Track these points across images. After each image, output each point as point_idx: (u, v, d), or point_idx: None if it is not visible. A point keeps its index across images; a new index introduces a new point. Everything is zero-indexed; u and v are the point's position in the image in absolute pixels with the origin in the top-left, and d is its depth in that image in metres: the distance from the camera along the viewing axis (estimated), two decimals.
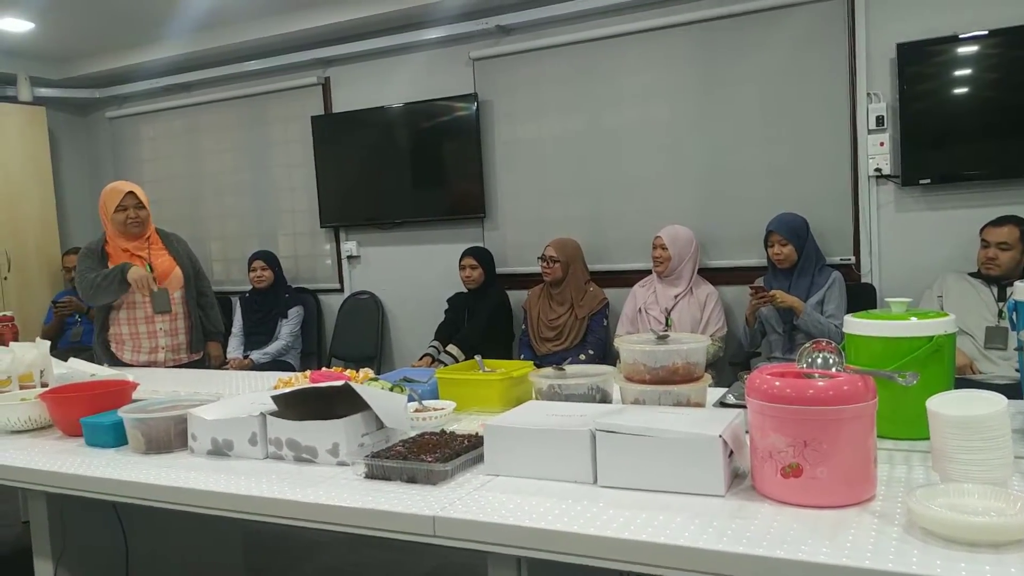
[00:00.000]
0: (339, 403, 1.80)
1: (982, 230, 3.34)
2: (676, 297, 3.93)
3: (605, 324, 4.15)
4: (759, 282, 3.71)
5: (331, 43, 5.01)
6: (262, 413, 1.81)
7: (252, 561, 2.98)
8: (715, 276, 4.04)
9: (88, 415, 2.04)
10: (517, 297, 4.54)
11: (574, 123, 4.44)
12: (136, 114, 5.97)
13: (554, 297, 4.24)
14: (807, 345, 1.45)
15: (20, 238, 5.54)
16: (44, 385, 2.46)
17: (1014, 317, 1.76)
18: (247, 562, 2.93)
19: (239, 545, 2.90)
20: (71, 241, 5.82)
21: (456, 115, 4.70)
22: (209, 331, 3.62)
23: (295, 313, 4.90)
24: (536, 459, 1.53)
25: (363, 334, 5.13)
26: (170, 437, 1.91)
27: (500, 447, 1.57)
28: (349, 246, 5.23)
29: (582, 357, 3.97)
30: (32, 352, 2.50)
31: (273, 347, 4.77)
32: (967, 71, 3.53)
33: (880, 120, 3.70)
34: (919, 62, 3.58)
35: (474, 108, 4.63)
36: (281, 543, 3.29)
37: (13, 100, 5.62)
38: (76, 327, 5.01)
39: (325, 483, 1.58)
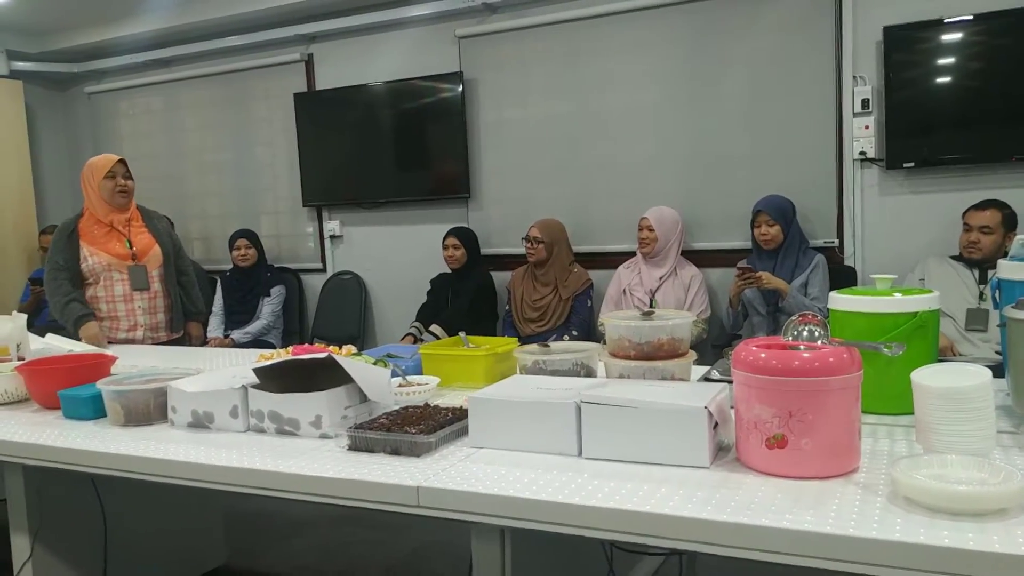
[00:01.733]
0: (322, 377, 1.78)
1: (964, 214, 3.36)
2: (660, 279, 3.94)
3: (589, 305, 4.15)
4: (744, 263, 3.71)
5: (315, 19, 4.94)
6: (243, 385, 1.79)
7: (234, 539, 2.97)
8: (699, 258, 4.04)
9: (66, 388, 2.01)
10: (501, 278, 4.53)
11: (560, 103, 4.41)
12: (115, 90, 5.87)
13: (538, 278, 4.23)
14: (793, 318, 1.45)
15: None
16: (20, 359, 2.42)
17: (997, 295, 1.77)
18: (229, 540, 2.92)
19: (220, 524, 2.89)
20: (49, 218, 5.73)
21: (441, 93, 4.66)
22: (189, 311, 3.58)
23: (277, 292, 4.86)
24: (521, 431, 1.52)
25: (346, 314, 5.10)
26: (149, 410, 1.88)
27: (485, 419, 1.56)
28: (332, 225, 5.19)
29: (566, 338, 3.97)
30: (8, 325, 2.46)
31: (254, 327, 4.74)
32: (952, 55, 3.53)
33: (865, 103, 3.70)
34: (905, 45, 3.59)
35: (459, 87, 4.59)
36: (263, 522, 3.28)
37: None
38: None
39: (308, 455, 1.57)
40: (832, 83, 3.78)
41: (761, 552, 1.12)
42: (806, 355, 1.31)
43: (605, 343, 1.87)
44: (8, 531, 2.17)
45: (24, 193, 5.64)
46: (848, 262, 3.80)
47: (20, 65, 5.67)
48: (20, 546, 2.16)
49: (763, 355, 1.33)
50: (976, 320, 3.22)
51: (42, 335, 2.78)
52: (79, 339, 3.14)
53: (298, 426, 1.72)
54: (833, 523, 1.10)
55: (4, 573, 2.26)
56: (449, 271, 4.51)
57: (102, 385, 1.93)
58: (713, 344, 3.89)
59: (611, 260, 4.23)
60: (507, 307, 4.38)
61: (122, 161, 3.34)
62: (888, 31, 3.60)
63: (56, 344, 2.70)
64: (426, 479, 1.39)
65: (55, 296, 3.26)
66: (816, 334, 1.41)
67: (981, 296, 3.25)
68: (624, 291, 4.03)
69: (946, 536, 1.04)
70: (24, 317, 2.55)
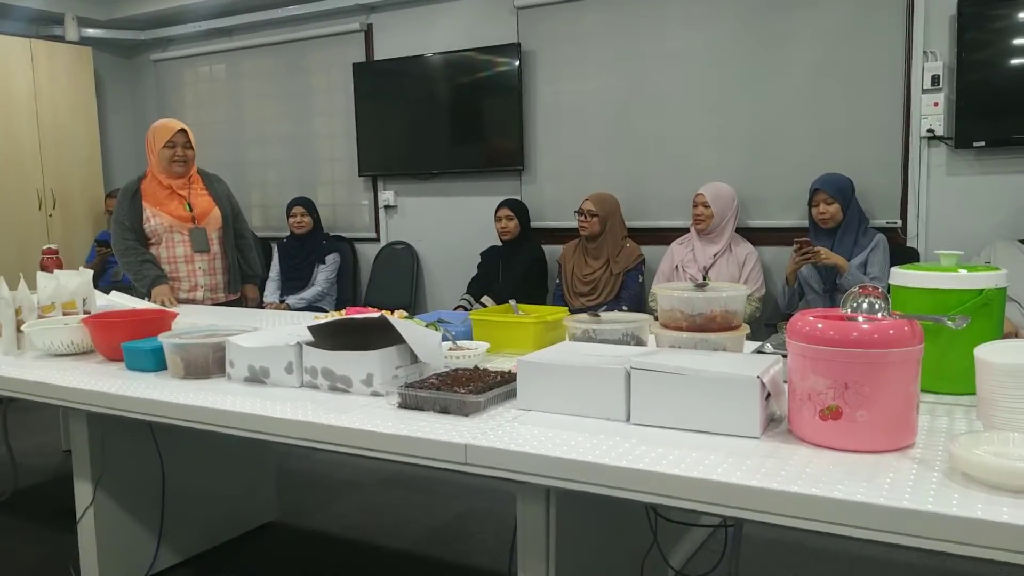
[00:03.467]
0: (374, 338, 1.81)
1: None
2: (715, 256, 3.88)
3: (640, 281, 4.12)
4: (803, 238, 3.64)
5: None
6: (299, 343, 1.83)
7: (285, 498, 3.05)
8: (754, 236, 3.97)
9: (129, 340, 2.08)
10: (552, 252, 4.52)
11: (617, 76, 4.36)
12: (180, 57, 6.00)
13: (590, 252, 4.21)
14: (853, 289, 1.41)
15: (65, 177, 5.63)
16: (87, 313, 2.51)
17: None
18: (280, 498, 2.99)
19: (272, 482, 2.96)
20: (114, 182, 5.90)
21: (498, 65, 4.65)
22: (247, 273, 3.66)
23: (332, 260, 4.93)
24: (569, 396, 1.52)
25: (398, 284, 5.16)
26: (208, 363, 1.94)
27: (534, 383, 1.57)
28: (387, 196, 5.23)
29: (624, 308, 3.94)
30: (76, 280, 2.55)
31: (309, 292, 4.82)
32: None
33: (936, 80, 3.58)
34: (980, 21, 3.44)
35: (517, 59, 4.57)
36: (313, 482, 3.35)
37: (60, 39, 5.67)
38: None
39: (359, 411, 1.60)
40: (901, 58, 3.66)
41: (811, 521, 1.10)
42: (865, 326, 1.28)
43: (657, 318, 1.86)
44: (72, 480, 2.27)
45: (92, 157, 5.81)
46: (911, 243, 3.69)
47: (89, 32, 5.82)
48: (83, 492, 2.26)
49: (820, 325, 1.30)
50: None
51: (106, 294, 2.87)
52: (150, 299, 3.24)
53: (350, 383, 1.75)
54: (887, 495, 1.08)
55: (68, 519, 2.36)
56: (500, 244, 4.52)
57: (164, 338, 1.99)
58: (767, 323, 3.83)
59: (664, 236, 4.19)
60: (557, 281, 4.37)
61: (183, 130, 3.39)
62: (962, 5, 3.46)
63: (120, 301, 2.79)
64: (474, 437, 1.40)
65: (128, 256, 3.35)
66: (876, 306, 1.37)
67: None
68: (677, 267, 3.98)
69: (1006, 512, 1.01)
70: (90, 273, 2.63)
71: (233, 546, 2.75)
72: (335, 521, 2.97)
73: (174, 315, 2.32)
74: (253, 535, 2.84)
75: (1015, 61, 3.42)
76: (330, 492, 3.24)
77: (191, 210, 3.40)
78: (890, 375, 1.25)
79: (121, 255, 3.37)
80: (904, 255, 3.59)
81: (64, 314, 2.48)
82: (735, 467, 1.21)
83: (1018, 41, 3.40)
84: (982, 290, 1.56)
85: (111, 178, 6.00)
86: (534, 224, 4.55)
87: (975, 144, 3.50)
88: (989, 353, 1.28)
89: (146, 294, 3.29)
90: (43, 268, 3.93)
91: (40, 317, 2.44)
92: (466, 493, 3.17)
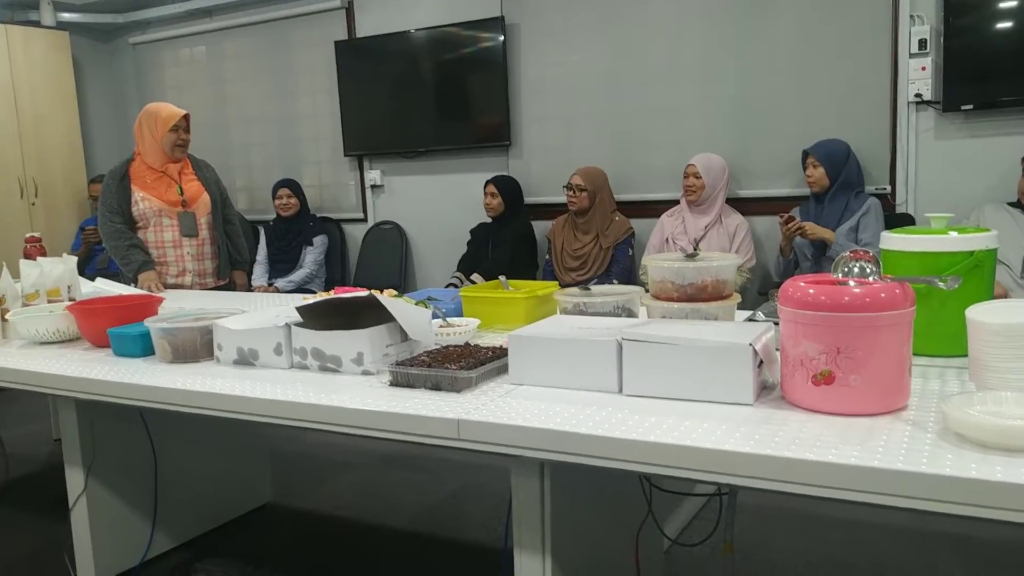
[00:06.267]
0: (364, 316, 1.79)
1: None
2: (705, 227, 3.87)
3: (630, 254, 4.11)
4: (795, 211, 3.64)
5: None
6: (287, 323, 1.81)
7: (278, 480, 3.04)
8: (745, 206, 3.96)
9: (115, 326, 2.06)
10: (542, 227, 4.50)
11: (603, 48, 4.31)
12: (159, 40, 5.91)
13: (579, 226, 4.19)
14: (845, 254, 1.40)
15: (46, 164, 5.56)
16: (72, 300, 2.48)
17: None
18: (273, 481, 2.99)
19: (266, 465, 2.96)
20: (96, 168, 5.83)
21: (482, 40, 4.60)
22: (235, 259, 3.63)
23: (319, 241, 4.90)
24: (561, 369, 1.51)
25: (387, 263, 5.13)
26: (196, 347, 1.92)
27: (525, 357, 1.55)
28: (373, 175, 5.19)
29: (615, 282, 3.94)
30: (60, 267, 2.52)
31: (297, 275, 4.79)
32: None
33: (923, 43, 3.55)
34: None
35: (500, 32, 4.52)
36: (306, 463, 3.35)
37: (36, 25, 5.57)
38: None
39: (350, 390, 1.59)
40: (888, 23, 3.63)
41: (805, 486, 1.10)
42: (857, 290, 1.27)
43: (647, 290, 1.85)
44: (63, 469, 2.26)
45: (73, 144, 5.73)
46: (900, 209, 3.69)
47: (66, 16, 5.72)
48: (75, 480, 2.24)
49: (811, 291, 1.29)
50: None
51: (92, 281, 2.84)
52: (137, 285, 3.21)
53: (340, 363, 1.73)
54: (881, 458, 1.07)
55: (61, 508, 2.35)
56: (489, 220, 4.49)
57: (150, 323, 1.96)
58: (759, 292, 3.83)
59: (654, 209, 4.17)
60: (547, 256, 4.35)
61: (187, 116, 3.40)
62: None
63: (106, 288, 2.76)
64: (466, 413, 1.39)
65: (115, 239, 3.31)
66: (868, 270, 1.37)
67: None
68: (667, 239, 3.97)
69: (999, 471, 1.01)
70: (74, 260, 2.60)
71: (228, 529, 2.75)
72: (329, 502, 2.96)
73: (160, 300, 2.30)
74: (248, 518, 2.84)
75: (1001, 24, 3.40)
76: (324, 473, 3.24)
77: (182, 194, 3.37)
78: (882, 338, 1.25)
79: (108, 238, 3.33)
80: (895, 222, 3.58)
81: (49, 302, 2.45)
82: (728, 434, 1.21)
83: (1004, 4, 3.38)
84: (973, 251, 1.55)
85: (93, 164, 5.93)
86: (524, 199, 4.52)
87: (963, 108, 3.49)
88: (981, 314, 1.28)
89: (132, 280, 3.26)
90: (27, 256, 3.88)
91: (24, 305, 2.41)
92: (460, 470, 3.17)
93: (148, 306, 2.20)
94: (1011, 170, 3.32)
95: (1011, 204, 3.30)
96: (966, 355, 1.35)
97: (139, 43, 6.00)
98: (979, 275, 1.56)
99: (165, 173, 3.36)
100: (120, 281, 3.10)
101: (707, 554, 2.30)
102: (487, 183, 4.43)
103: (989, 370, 1.25)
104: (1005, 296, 3.11)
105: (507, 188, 4.43)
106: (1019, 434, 1.06)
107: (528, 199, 4.56)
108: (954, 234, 1.58)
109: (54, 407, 3.60)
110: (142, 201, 3.31)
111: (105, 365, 1.94)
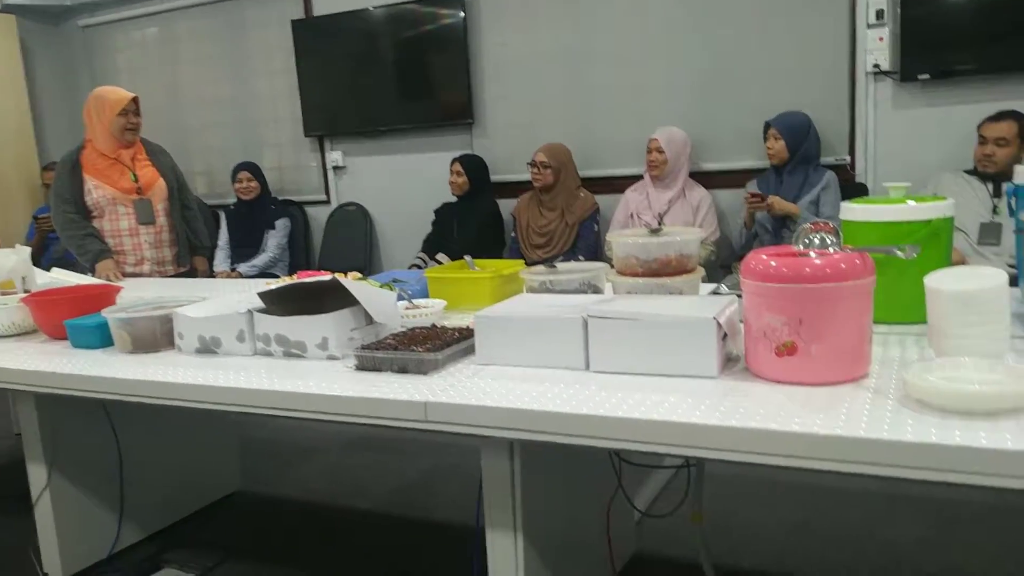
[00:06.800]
0: (328, 301, 1.77)
1: (980, 126, 3.27)
2: (669, 201, 3.88)
3: (596, 230, 4.11)
4: (751, 186, 3.67)
5: None
6: (249, 310, 1.79)
7: (247, 467, 3.02)
8: (708, 179, 3.98)
9: (72, 318, 2.01)
10: (507, 205, 4.48)
11: (564, 24, 4.28)
12: (110, 22, 5.74)
13: (544, 203, 4.19)
14: (805, 225, 1.41)
15: None
16: (26, 292, 2.42)
17: (1012, 203, 1.73)
18: (242, 468, 2.96)
19: (234, 452, 2.93)
20: (49, 155, 5.67)
21: (442, 17, 4.54)
22: (195, 245, 3.56)
23: (282, 225, 4.83)
24: (528, 348, 1.51)
25: (351, 246, 5.08)
26: (156, 336, 1.88)
27: (492, 337, 1.55)
28: (335, 156, 5.12)
29: (581, 258, 3.94)
30: (12, 258, 2.45)
31: (260, 259, 4.73)
32: None
33: (880, 14, 3.58)
34: None
35: (461, 9, 4.46)
36: (274, 449, 3.32)
37: None
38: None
39: (315, 375, 1.57)
40: None
41: (770, 456, 1.11)
42: (817, 261, 1.28)
43: (613, 266, 1.85)
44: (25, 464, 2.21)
45: (23, 130, 5.57)
46: (860, 179, 3.73)
47: None
48: (37, 475, 2.20)
49: (773, 263, 1.30)
50: (989, 234, 3.17)
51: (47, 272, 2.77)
52: (94, 274, 3.14)
53: (305, 348, 1.71)
54: (844, 426, 1.09)
55: (25, 502, 2.30)
56: (454, 200, 4.47)
57: (108, 313, 1.92)
58: (722, 265, 3.86)
59: (618, 184, 4.17)
60: (513, 234, 4.34)
61: (136, 99, 3.32)
62: None
63: (62, 278, 2.70)
64: (433, 395, 1.38)
65: (69, 229, 3.24)
66: (828, 241, 1.38)
67: (995, 210, 3.20)
68: (632, 215, 3.98)
69: (958, 435, 1.03)
70: (28, 250, 2.54)
71: (197, 519, 2.72)
72: (299, 487, 2.95)
73: (118, 289, 2.25)
74: (217, 506, 2.81)
75: None
76: (293, 459, 3.22)
77: (136, 180, 3.29)
78: (843, 308, 1.26)
79: (62, 229, 3.26)
80: (853, 191, 3.63)
81: (2, 294, 2.39)
82: (694, 407, 1.22)
83: None
84: (930, 220, 1.57)
85: (46, 150, 5.76)
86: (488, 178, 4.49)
87: (920, 77, 3.53)
88: (939, 281, 1.30)
89: (90, 269, 3.19)
90: None
91: None
92: (430, 451, 3.17)
93: (106, 296, 2.16)
94: (967, 138, 3.37)
95: (968, 172, 3.35)
96: (925, 322, 1.37)
97: (89, 25, 5.83)
98: (937, 243, 1.58)
99: (118, 160, 3.28)
100: (77, 271, 3.03)
101: (677, 524, 2.33)
102: (453, 161, 4.40)
103: (947, 336, 1.27)
104: (963, 263, 3.17)
105: (473, 167, 4.40)
106: (976, 398, 1.08)
107: (494, 177, 4.53)
108: (912, 203, 1.60)
109: (14, 405, 3.53)
110: (95, 190, 3.23)
111: (63, 357, 1.90)
